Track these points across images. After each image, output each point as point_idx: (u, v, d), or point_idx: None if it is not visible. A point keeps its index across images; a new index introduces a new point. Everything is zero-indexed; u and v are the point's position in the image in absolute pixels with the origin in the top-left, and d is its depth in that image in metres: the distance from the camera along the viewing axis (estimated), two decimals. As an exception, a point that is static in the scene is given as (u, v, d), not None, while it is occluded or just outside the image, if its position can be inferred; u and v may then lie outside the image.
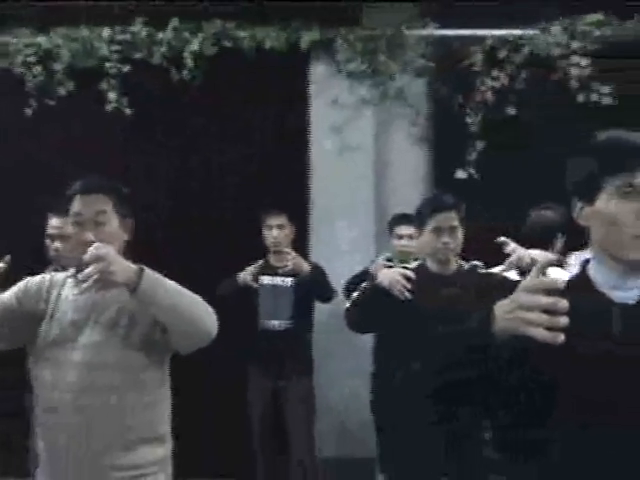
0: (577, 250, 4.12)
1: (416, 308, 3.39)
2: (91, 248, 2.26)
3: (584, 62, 5.26)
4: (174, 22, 5.53)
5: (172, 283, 2.37)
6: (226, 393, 5.21)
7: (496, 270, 3.57)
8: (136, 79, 5.53)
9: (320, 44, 5.57)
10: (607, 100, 5.23)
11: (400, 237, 4.93)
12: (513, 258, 3.35)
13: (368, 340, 4.83)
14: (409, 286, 3.43)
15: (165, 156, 5.69)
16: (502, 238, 3.42)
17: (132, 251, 2.58)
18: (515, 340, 1.53)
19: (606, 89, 5.24)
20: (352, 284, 4.73)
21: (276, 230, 4.90)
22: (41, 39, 5.56)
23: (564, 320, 1.43)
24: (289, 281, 4.88)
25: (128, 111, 5.53)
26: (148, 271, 2.31)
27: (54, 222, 3.82)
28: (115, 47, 5.52)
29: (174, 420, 2.66)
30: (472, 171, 5.43)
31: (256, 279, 4.86)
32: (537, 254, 3.65)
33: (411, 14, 5.58)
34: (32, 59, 5.54)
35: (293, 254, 4.75)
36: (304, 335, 5.00)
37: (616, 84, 5.23)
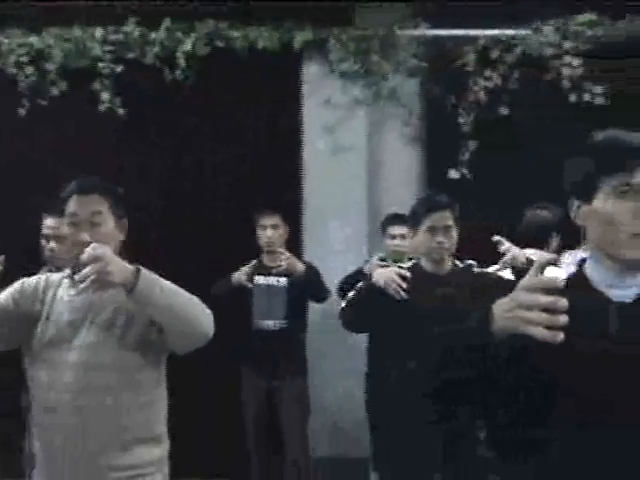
0: (571, 249, 4.16)
1: (411, 307, 3.39)
2: (88, 249, 2.26)
3: (576, 62, 5.28)
4: (166, 22, 5.52)
5: (169, 283, 2.38)
6: (220, 393, 5.21)
7: (491, 269, 3.58)
8: (129, 79, 5.51)
9: (313, 44, 5.57)
10: (599, 100, 5.25)
11: (393, 237, 4.94)
12: (507, 257, 3.37)
13: (362, 340, 4.83)
14: (405, 285, 3.44)
15: (158, 156, 5.68)
16: (497, 237, 3.43)
17: (127, 251, 2.58)
18: (514, 339, 1.53)
19: (598, 89, 5.25)
20: (346, 284, 4.74)
21: (270, 230, 4.90)
22: (33, 39, 5.54)
23: (564, 319, 1.43)
24: (283, 281, 4.88)
25: (121, 111, 5.51)
26: (145, 271, 2.32)
27: (49, 222, 3.81)
28: (108, 47, 5.51)
29: (169, 420, 2.66)
30: (465, 171, 5.44)
31: (250, 279, 4.86)
32: (531, 253, 3.68)
33: (403, 14, 5.58)
34: (24, 59, 5.52)
35: (287, 254, 4.75)
36: (298, 335, 5.00)
37: (608, 84, 5.24)
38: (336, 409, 5.49)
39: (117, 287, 2.33)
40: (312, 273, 4.82)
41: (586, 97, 5.28)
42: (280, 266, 4.79)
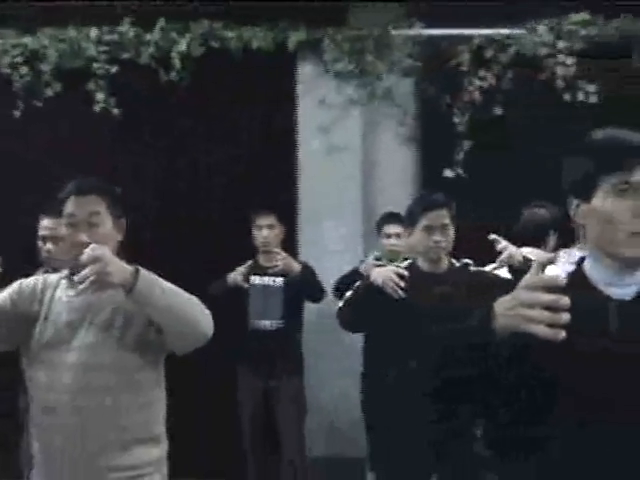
0: (566, 247, 4.17)
1: (410, 307, 3.40)
2: (87, 249, 2.26)
3: (570, 61, 5.29)
4: (161, 22, 5.52)
5: (168, 284, 2.38)
6: (216, 393, 5.21)
7: (488, 268, 3.59)
8: (124, 80, 5.51)
9: (307, 44, 5.57)
10: (593, 99, 5.26)
11: (388, 236, 4.94)
12: (504, 256, 3.37)
13: (358, 340, 4.84)
14: (402, 284, 3.44)
15: (153, 156, 5.68)
16: (493, 236, 3.44)
17: (125, 251, 2.58)
18: (514, 337, 1.54)
19: (592, 88, 5.27)
20: (342, 284, 4.74)
21: (266, 230, 4.90)
22: (28, 40, 5.53)
23: (566, 317, 1.44)
24: (279, 281, 4.88)
25: (116, 112, 5.51)
26: (144, 272, 2.31)
27: (46, 223, 3.79)
28: (102, 48, 5.51)
29: (166, 421, 2.66)
30: (460, 170, 5.45)
31: (246, 279, 4.86)
32: (528, 252, 3.69)
33: (398, 14, 5.59)
34: (19, 60, 5.51)
35: (283, 254, 4.75)
36: (294, 335, 5.01)
37: (602, 83, 5.26)
38: (332, 409, 5.49)
39: (116, 288, 2.33)
40: (308, 273, 4.83)
41: (580, 96, 5.29)
42: (276, 266, 4.79)
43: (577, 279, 1.77)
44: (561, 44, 5.33)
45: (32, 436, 2.62)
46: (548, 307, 1.46)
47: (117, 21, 5.55)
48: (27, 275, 2.75)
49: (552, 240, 4.02)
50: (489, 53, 5.40)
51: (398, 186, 5.58)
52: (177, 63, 5.47)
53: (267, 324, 4.87)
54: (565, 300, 1.44)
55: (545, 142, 5.21)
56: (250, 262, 4.95)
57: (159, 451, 2.60)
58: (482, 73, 5.40)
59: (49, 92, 5.53)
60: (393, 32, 5.52)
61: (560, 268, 1.65)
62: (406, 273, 3.48)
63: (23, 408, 3.37)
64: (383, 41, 5.51)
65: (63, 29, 5.55)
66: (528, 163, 5.20)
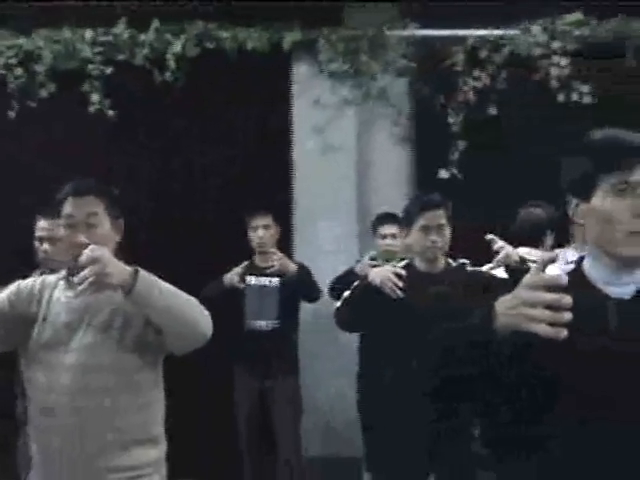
0: (560, 247, 4.19)
1: (408, 307, 3.40)
2: (86, 250, 2.26)
3: (564, 62, 5.31)
4: (155, 23, 5.52)
5: (167, 284, 2.38)
6: (212, 394, 5.20)
7: (484, 268, 3.59)
8: (118, 81, 5.51)
9: (302, 44, 5.58)
10: (587, 99, 5.28)
11: (384, 236, 4.95)
12: (501, 256, 3.38)
13: (354, 340, 4.85)
14: (400, 284, 3.44)
15: (148, 157, 5.68)
16: (490, 235, 3.45)
17: (123, 252, 2.58)
18: (515, 336, 1.55)
19: (586, 88, 5.28)
20: (337, 284, 4.75)
21: (262, 230, 4.90)
22: (22, 41, 5.53)
23: (568, 316, 1.45)
24: (275, 281, 4.88)
25: (111, 113, 5.51)
26: (143, 273, 2.31)
27: (42, 224, 3.78)
28: (97, 49, 5.50)
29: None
30: (454, 171, 5.46)
31: (242, 280, 4.87)
32: (525, 252, 3.70)
33: (392, 14, 5.60)
34: (13, 61, 5.51)
35: (279, 254, 4.76)
36: (290, 335, 5.01)
37: (596, 83, 5.28)
38: (328, 409, 5.50)
39: (115, 289, 2.33)
40: (304, 273, 4.83)
41: (574, 97, 5.30)
42: (272, 266, 4.79)
43: (576, 278, 1.77)
44: (555, 44, 5.35)
45: (30, 437, 2.62)
46: (549, 306, 1.47)
47: (112, 22, 5.55)
48: (24, 276, 2.75)
49: (549, 240, 4.04)
50: (483, 53, 5.42)
51: (393, 186, 5.59)
52: (172, 64, 5.47)
53: (263, 324, 4.87)
54: (567, 299, 1.45)
55: (539, 142, 5.22)
56: (246, 263, 4.94)
57: (158, 452, 2.60)
58: (476, 73, 5.41)
59: (44, 93, 5.53)
60: (388, 32, 5.54)
61: (555, 268, 1.65)
62: (404, 273, 3.49)
63: (21, 409, 3.37)
64: (378, 41, 5.52)
65: (58, 30, 5.55)
66: (523, 163, 5.22)
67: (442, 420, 3.16)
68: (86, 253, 2.24)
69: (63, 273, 2.63)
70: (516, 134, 5.39)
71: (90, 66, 5.49)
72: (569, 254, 3.88)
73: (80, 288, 2.27)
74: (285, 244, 5.27)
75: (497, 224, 4.03)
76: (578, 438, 1.68)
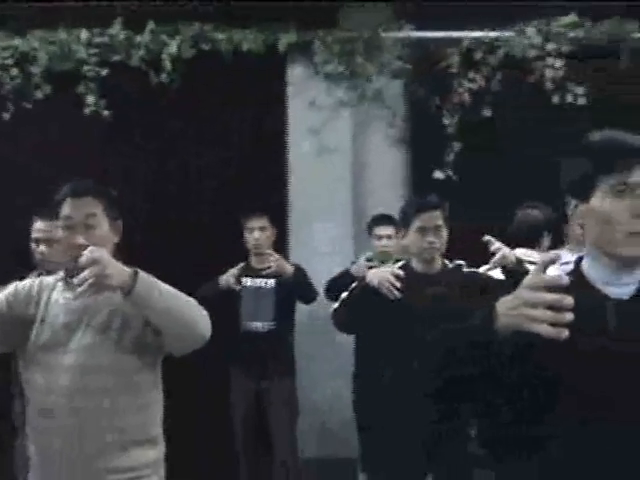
0: (553, 248, 4.20)
1: (406, 307, 3.40)
2: (86, 251, 2.25)
3: (558, 63, 5.33)
4: (151, 25, 5.52)
5: (166, 286, 2.38)
6: (208, 395, 5.20)
7: (482, 269, 3.60)
8: (114, 82, 5.50)
9: (297, 46, 5.59)
10: (582, 101, 5.30)
11: (380, 238, 4.96)
12: (498, 257, 3.38)
13: (350, 341, 4.86)
14: (398, 285, 3.45)
15: (144, 159, 5.68)
16: (487, 237, 3.45)
17: (122, 253, 2.58)
18: (516, 336, 1.56)
19: (580, 90, 5.30)
20: (333, 285, 4.76)
21: (258, 232, 4.90)
22: (18, 42, 5.52)
23: (569, 316, 1.46)
24: (271, 283, 4.88)
25: (106, 114, 5.50)
26: (142, 274, 2.31)
27: (39, 225, 3.77)
28: (93, 50, 5.50)
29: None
30: (449, 172, 5.47)
31: (238, 281, 4.87)
32: (522, 253, 3.71)
33: (388, 15, 5.61)
34: (9, 62, 5.50)
35: (276, 256, 4.76)
36: (286, 336, 5.00)
37: (590, 85, 5.30)
38: (324, 410, 5.50)
39: (115, 290, 2.33)
40: (300, 275, 4.83)
41: (569, 98, 5.32)
42: (268, 268, 4.79)
43: (575, 278, 1.78)
44: (550, 46, 5.37)
45: (29, 438, 2.61)
46: (550, 306, 1.48)
47: (107, 23, 5.54)
48: (21, 278, 2.75)
49: (546, 241, 4.05)
50: (478, 55, 5.44)
51: (388, 188, 5.61)
52: (167, 65, 5.48)
53: (259, 326, 4.87)
54: (569, 300, 1.45)
55: (534, 143, 5.25)
56: (242, 264, 4.95)
57: (156, 453, 2.60)
58: (471, 75, 5.44)
59: (39, 94, 5.52)
60: (383, 34, 5.55)
61: (551, 268, 1.66)
62: (402, 274, 3.49)
63: (19, 411, 3.36)
64: (373, 43, 5.53)
65: (53, 31, 5.54)
66: (517, 164, 5.24)
67: (440, 420, 3.17)
68: (86, 254, 2.24)
69: (61, 274, 2.63)
70: (511, 135, 5.41)
71: (85, 67, 5.49)
72: (563, 255, 3.89)
73: (80, 289, 2.26)
74: (280, 246, 5.27)
75: (492, 225, 4.04)
76: (577, 438, 1.69)
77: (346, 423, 5.01)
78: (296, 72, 5.68)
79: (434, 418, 3.05)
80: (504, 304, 1.56)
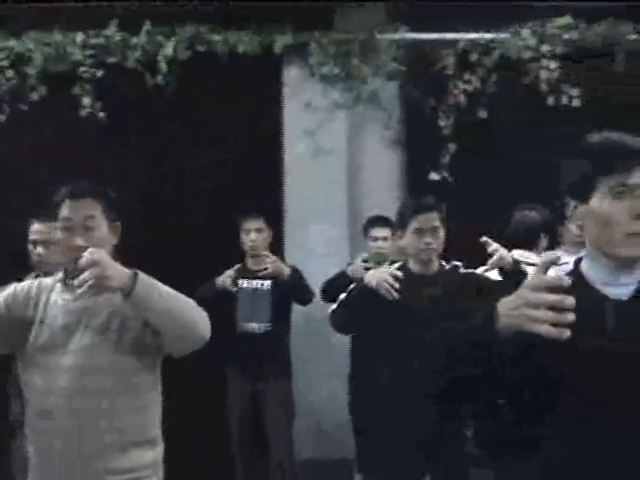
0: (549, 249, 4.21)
1: (404, 308, 3.41)
2: (86, 253, 2.26)
3: (553, 65, 5.34)
4: (147, 26, 5.51)
5: (165, 287, 2.38)
6: (204, 396, 5.19)
7: (479, 270, 3.61)
8: (110, 84, 5.49)
9: (293, 48, 5.59)
10: (576, 102, 5.31)
11: (375, 239, 4.97)
12: (495, 258, 3.39)
13: (346, 342, 4.86)
14: (397, 286, 3.45)
15: (140, 161, 5.67)
16: (484, 238, 3.46)
17: (121, 255, 2.58)
18: (517, 337, 1.56)
19: (575, 91, 5.32)
20: (329, 286, 4.76)
21: (254, 234, 4.91)
22: (13, 43, 5.50)
23: (571, 316, 1.47)
24: (267, 284, 4.89)
25: (102, 116, 5.49)
26: (142, 275, 2.32)
27: (36, 227, 3.77)
28: (88, 51, 5.49)
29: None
30: (445, 173, 5.48)
31: (235, 283, 4.87)
32: (519, 254, 3.73)
33: (383, 17, 5.62)
34: (4, 63, 5.49)
35: (272, 257, 4.77)
36: (282, 338, 5.00)
37: (585, 86, 5.32)
38: (320, 411, 5.50)
39: (115, 291, 2.33)
40: (296, 276, 4.84)
41: (563, 99, 5.34)
42: (265, 269, 4.81)
43: (575, 279, 1.79)
44: (544, 48, 5.39)
45: (28, 440, 2.61)
46: (552, 307, 1.49)
47: (103, 25, 5.53)
48: (18, 279, 2.75)
49: (543, 242, 4.06)
50: (474, 57, 5.45)
51: (384, 189, 5.61)
52: (163, 67, 5.47)
53: (255, 327, 4.87)
54: (570, 300, 1.46)
55: (529, 145, 5.26)
56: (238, 265, 4.95)
57: (155, 454, 2.61)
58: (467, 76, 5.44)
59: (35, 96, 5.50)
60: (378, 36, 5.55)
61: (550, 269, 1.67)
62: (400, 274, 3.49)
63: (18, 411, 3.35)
64: (369, 45, 5.54)
65: (48, 33, 5.53)
66: (513, 166, 5.25)
67: (438, 421, 3.17)
68: (85, 256, 2.24)
69: (60, 276, 2.63)
70: (506, 137, 5.42)
71: (81, 69, 5.48)
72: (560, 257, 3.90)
73: (80, 291, 2.26)
74: (276, 247, 5.27)
75: (487, 227, 4.05)
76: (576, 438, 1.70)
77: (342, 424, 5.01)
78: (292, 74, 5.69)
79: (432, 418, 3.05)
80: (505, 305, 1.57)
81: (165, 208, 5.68)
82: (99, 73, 5.48)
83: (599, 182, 1.76)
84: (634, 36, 5.36)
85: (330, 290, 4.65)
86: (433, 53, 5.50)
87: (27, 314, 2.55)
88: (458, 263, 3.66)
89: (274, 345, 4.90)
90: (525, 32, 5.43)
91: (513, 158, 5.27)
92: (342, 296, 3.75)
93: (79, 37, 5.49)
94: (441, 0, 5.36)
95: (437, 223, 3.55)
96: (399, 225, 3.68)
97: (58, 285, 2.61)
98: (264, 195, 5.56)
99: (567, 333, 1.46)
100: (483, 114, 5.44)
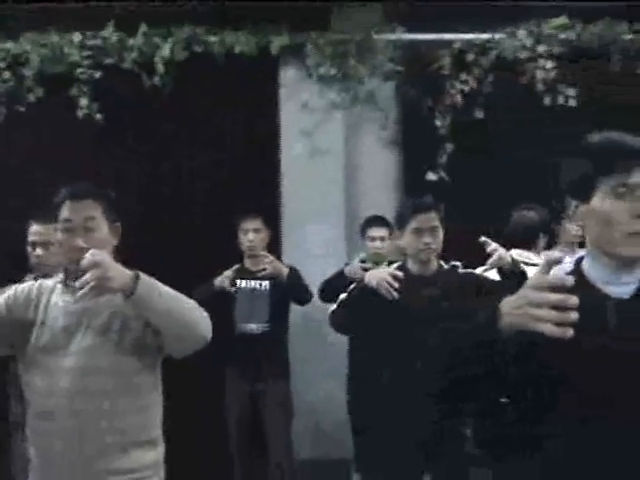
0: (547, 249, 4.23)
1: (405, 308, 3.42)
2: (87, 254, 2.26)
3: (549, 65, 5.35)
4: (143, 27, 5.51)
5: (167, 288, 2.39)
6: (202, 397, 5.19)
7: (478, 271, 3.62)
8: (107, 85, 5.48)
9: (290, 49, 5.59)
10: (573, 102, 5.32)
11: (373, 239, 4.97)
12: (494, 258, 3.40)
13: (344, 342, 4.87)
14: (397, 285, 3.46)
15: (137, 162, 5.66)
16: (483, 238, 3.47)
17: (121, 256, 2.58)
18: (519, 336, 1.57)
19: (572, 91, 5.33)
20: (327, 286, 4.76)
21: (252, 234, 4.91)
22: (10, 44, 5.49)
23: (574, 315, 1.48)
24: (266, 284, 4.90)
25: (99, 117, 5.47)
26: (144, 276, 2.32)
27: (35, 229, 3.77)
28: (86, 53, 5.47)
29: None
30: (442, 173, 5.48)
31: (233, 283, 4.87)
32: (517, 254, 3.74)
33: (380, 18, 5.63)
34: (1, 65, 5.47)
35: (271, 257, 4.78)
36: (281, 338, 5.01)
37: (581, 86, 5.33)
38: (318, 411, 5.50)
39: (117, 293, 2.34)
40: (295, 276, 4.85)
41: (560, 99, 5.35)
42: (263, 269, 4.81)
43: (576, 278, 1.80)
44: (541, 48, 5.39)
45: (29, 441, 2.61)
46: (555, 306, 1.49)
47: (100, 26, 5.53)
48: (16, 281, 2.75)
49: (542, 242, 4.08)
50: (470, 57, 5.46)
51: (381, 189, 5.62)
52: (160, 68, 5.46)
53: (254, 327, 4.87)
54: (574, 299, 1.47)
55: (526, 144, 5.27)
56: (236, 266, 4.95)
57: (156, 454, 2.61)
58: (463, 77, 5.44)
59: (31, 97, 5.48)
60: (375, 36, 5.55)
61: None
62: (400, 274, 3.50)
63: (19, 411, 3.35)
64: (365, 45, 5.54)
65: (45, 34, 5.52)
66: (509, 165, 5.25)
67: (439, 420, 3.18)
68: (87, 257, 2.25)
69: (60, 277, 2.63)
70: (503, 137, 5.42)
71: (78, 70, 5.45)
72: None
73: (81, 292, 2.27)
74: (273, 248, 5.27)
75: (484, 226, 4.05)
76: (578, 437, 1.71)
77: (340, 424, 5.02)
78: (288, 74, 5.68)
79: (433, 418, 3.06)
80: (508, 304, 1.58)
81: (163, 209, 5.68)
82: (96, 74, 5.46)
83: (600, 182, 1.77)
84: (630, 36, 5.37)
85: (328, 290, 4.65)
86: (430, 53, 5.50)
87: (28, 316, 2.55)
88: (457, 263, 3.67)
89: (272, 345, 4.91)
90: (521, 32, 5.43)
91: (510, 158, 5.27)
92: (342, 296, 3.75)
93: (76, 38, 5.48)
94: (438, 0, 5.36)
95: (436, 223, 3.56)
96: (398, 225, 3.69)
97: (59, 286, 2.61)
98: (261, 195, 5.55)
99: (570, 332, 1.47)
100: (480, 114, 5.45)
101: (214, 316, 2.57)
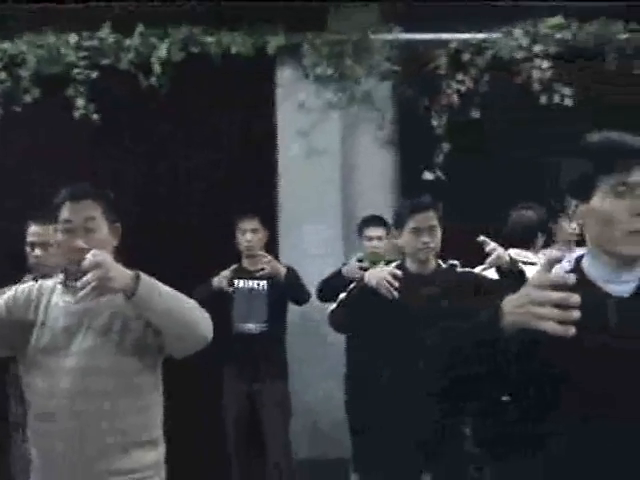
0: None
1: (403, 308, 3.42)
2: (88, 255, 2.26)
3: (546, 64, 5.36)
4: (140, 28, 5.51)
5: (167, 288, 2.39)
6: (201, 397, 5.19)
7: (477, 270, 3.63)
8: (103, 85, 5.47)
9: (286, 49, 5.59)
10: (569, 102, 5.33)
11: (370, 239, 4.97)
12: (493, 257, 3.41)
13: (342, 342, 4.87)
14: (397, 285, 3.46)
15: (133, 162, 5.66)
16: (482, 237, 3.48)
17: (121, 256, 2.58)
18: (521, 334, 1.58)
19: (568, 91, 5.34)
20: (325, 286, 4.77)
21: (250, 234, 4.92)
22: (7, 45, 5.48)
23: (576, 314, 1.48)
24: (263, 284, 4.90)
25: (96, 117, 5.47)
26: (144, 276, 2.32)
27: (34, 229, 3.77)
28: (82, 53, 5.46)
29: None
30: (439, 173, 5.49)
31: (231, 283, 4.88)
32: (516, 253, 3.75)
33: (377, 17, 5.63)
34: (-2, 65, 5.48)
35: (269, 257, 4.78)
36: (279, 338, 5.01)
37: (577, 86, 5.34)
38: (316, 411, 5.50)
39: (118, 293, 2.34)
40: (293, 276, 4.85)
41: (556, 99, 5.36)
42: (261, 269, 4.82)
43: (576, 276, 1.80)
44: (537, 48, 5.40)
45: (30, 441, 2.61)
46: (557, 304, 1.50)
47: (96, 27, 5.52)
48: (15, 281, 2.75)
49: (540, 241, 4.09)
50: (466, 57, 5.46)
51: (378, 189, 5.62)
52: (157, 68, 5.45)
53: (252, 327, 4.88)
54: (575, 298, 1.48)
55: (522, 144, 5.28)
56: (234, 266, 4.95)
57: (157, 454, 2.61)
58: (460, 76, 5.45)
59: (28, 98, 5.48)
60: (372, 36, 5.56)
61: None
62: (400, 273, 3.50)
63: (20, 412, 3.35)
64: (362, 45, 5.54)
65: (42, 35, 5.51)
66: (506, 165, 5.26)
67: (438, 419, 3.19)
68: (88, 258, 2.25)
69: (61, 277, 2.63)
70: (499, 136, 5.43)
71: (75, 71, 5.45)
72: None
73: (82, 293, 2.27)
74: (271, 248, 5.28)
75: (483, 226, 4.06)
76: (579, 435, 1.71)
77: (338, 424, 5.02)
78: (285, 75, 5.69)
79: (433, 417, 3.06)
80: (510, 302, 1.59)
81: (160, 209, 5.67)
82: (93, 75, 5.46)
83: (600, 181, 1.77)
84: (626, 35, 5.38)
85: (326, 290, 4.66)
86: (426, 53, 5.51)
87: (28, 317, 2.55)
88: (455, 262, 3.68)
89: (270, 345, 4.91)
90: (517, 32, 5.44)
91: (506, 157, 5.28)
92: (342, 296, 3.75)
93: (72, 39, 5.47)
94: (435, 0, 5.37)
95: (434, 222, 3.56)
96: (396, 224, 3.70)
97: (59, 287, 2.61)
98: (259, 196, 5.55)
99: (572, 330, 1.48)
100: (476, 114, 5.46)
101: (212, 316, 2.57)
